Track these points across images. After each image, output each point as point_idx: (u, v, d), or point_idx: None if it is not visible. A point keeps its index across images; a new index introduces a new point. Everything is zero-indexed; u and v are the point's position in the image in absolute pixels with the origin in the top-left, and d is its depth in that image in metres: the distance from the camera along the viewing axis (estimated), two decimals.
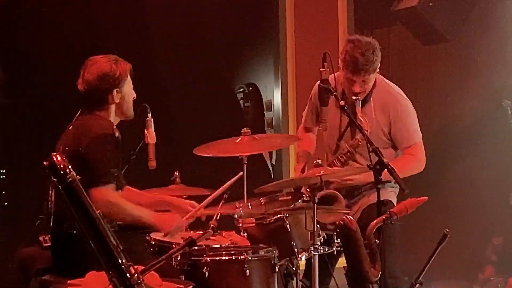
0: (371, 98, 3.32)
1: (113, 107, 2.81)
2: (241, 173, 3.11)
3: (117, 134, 2.73)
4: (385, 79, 3.42)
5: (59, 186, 1.97)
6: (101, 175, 2.60)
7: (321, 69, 3.03)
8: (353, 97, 3.23)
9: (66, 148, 2.66)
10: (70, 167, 1.98)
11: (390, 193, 3.31)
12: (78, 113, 2.84)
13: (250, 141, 3.30)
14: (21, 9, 4.85)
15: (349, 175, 3.22)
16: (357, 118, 3.13)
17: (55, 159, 1.97)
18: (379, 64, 3.29)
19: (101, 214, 2.13)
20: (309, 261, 3.05)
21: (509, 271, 5.53)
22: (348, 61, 3.20)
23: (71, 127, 2.82)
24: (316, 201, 2.89)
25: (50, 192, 2.72)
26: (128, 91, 2.84)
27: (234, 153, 3.33)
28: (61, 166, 1.97)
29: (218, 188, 3.15)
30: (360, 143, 3.18)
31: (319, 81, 3.06)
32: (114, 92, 2.78)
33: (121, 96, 2.81)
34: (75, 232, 2.55)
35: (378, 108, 3.31)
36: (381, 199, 3.05)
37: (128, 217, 2.77)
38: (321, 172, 2.93)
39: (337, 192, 3.19)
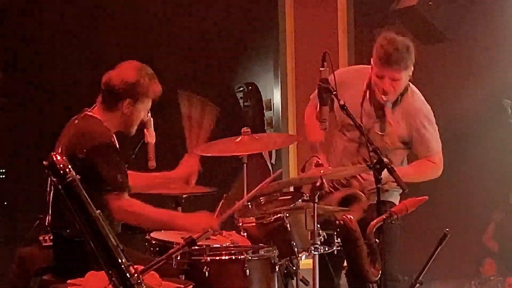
0: (401, 104, 3.27)
1: (120, 114, 2.75)
2: (280, 170, 3.04)
3: (115, 142, 2.70)
4: (413, 86, 3.37)
5: (59, 186, 1.97)
6: (112, 184, 2.59)
7: (321, 69, 3.03)
8: (383, 97, 3.18)
9: (65, 149, 2.64)
10: (70, 166, 1.98)
11: (393, 193, 3.29)
12: (93, 106, 2.81)
13: (250, 141, 3.29)
14: (21, 9, 4.85)
15: (350, 174, 3.21)
16: (387, 121, 3.11)
17: (54, 159, 1.97)
18: (412, 68, 3.25)
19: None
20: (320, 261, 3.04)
21: (509, 271, 5.53)
22: (381, 54, 3.17)
23: (76, 121, 2.79)
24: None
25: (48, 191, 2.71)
26: (140, 111, 2.77)
27: (234, 153, 3.32)
28: (61, 165, 1.96)
29: (217, 186, 3.16)
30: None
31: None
32: (126, 101, 2.72)
33: (131, 111, 2.74)
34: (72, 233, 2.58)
35: (404, 115, 3.27)
36: (384, 200, 3.06)
37: (151, 224, 2.77)
38: (321, 171, 2.92)
39: (361, 193, 3.14)
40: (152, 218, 2.73)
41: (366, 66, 3.40)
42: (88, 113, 2.78)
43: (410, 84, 3.35)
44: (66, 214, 2.50)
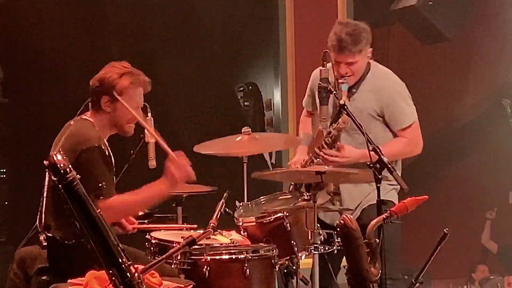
0: (363, 84, 3.26)
1: (104, 113, 2.76)
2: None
3: (103, 146, 2.70)
4: (379, 64, 3.35)
5: (59, 185, 1.98)
6: (95, 189, 2.58)
7: (321, 68, 3.04)
8: (339, 80, 3.17)
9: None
10: (70, 166, 1.99)
11: (391, 192, 3.29)
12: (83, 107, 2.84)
13: (250, 140, 3.30)
14: (21, 8, 4.86)
15: (350, 172, 3.21)
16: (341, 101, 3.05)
17: (55, 158, 1.98)
18: (369, 49, 3.23)
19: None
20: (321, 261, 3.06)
21: (508, 270, 5.54)
22: (333, 40, 3.17)
23: (72, 122, 2.81)
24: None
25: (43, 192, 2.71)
26: (121, 109, 2.74)
27: (234, 152, 3.32)
28: (61, 165, 1.97)
29: (216, 185, 3.17)
30: (342, 126, 3.13)
31: (318, 79, 3.07)
32: (104, 98, 2.74)
33: (113, 108, 2.75)
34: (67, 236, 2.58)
35: (370, 93, 3.26)
36: (382, 199, 3.05)
37: (140, 209, 2.81)
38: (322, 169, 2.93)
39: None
40: (137, 204, 2.72)
41: None
42: (83, 117, 2.81)
43: (374, 63, 3.32)
44: (63, 217, 2.52)
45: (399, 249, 3.27)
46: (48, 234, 2.64)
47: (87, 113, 2.82)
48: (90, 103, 2.80)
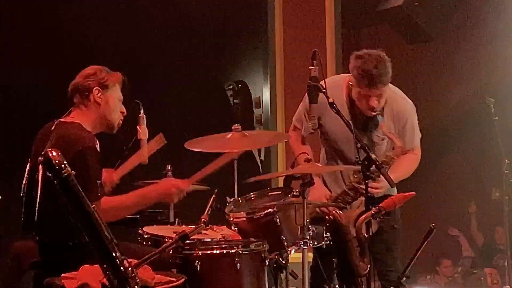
0: (384, 110, 3.24)
1: (95, 106, 2.81)
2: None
3: (97, 146, 2.73)
4: (390, 85, 3.29)
5: (54, 181, 2.01)
6: (91, 191, 2.58)
7: (310, 67, 3.07)
8: (373, 113, 3.14)
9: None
10: (65, 162, 2.02)
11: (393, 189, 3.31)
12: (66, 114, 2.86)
13: (241, 138, 3.33)
14: (16, 6, 4.86)
15: (339, 170, 3.26)
16: (386, 135, 3.11)
17: (50, 155, 2.01)
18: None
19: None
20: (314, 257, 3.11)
21: (487, 264, 5.63)
22: (362, 76, 3.10)
23: (53, 127, 2.80)
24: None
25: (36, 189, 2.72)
26: (113, 99, 2.83)
27: (225, 149, 3.35)
28: (57, 161, 2.01)
29: (208, 182, 3.21)
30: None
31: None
32: (95, 90, 2.79)
33: (105, 100, 2.81)
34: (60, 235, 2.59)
35: (390, 119, 3.27)
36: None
37: (128, 212, 2.81)
38: (311, 167, 2.97)
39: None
40: (126, 206, 2.75)
41: (341, 76, 3.40)
42: (67, 120, 2.81)
43: (388, 86, 3.31)
44: (55, 215, 2.53)
45: (400, 249, 3.33)
46: (39, 231, 2.65)
47: (70, 115, 2.83)
48: (76, 103, 2.82)
